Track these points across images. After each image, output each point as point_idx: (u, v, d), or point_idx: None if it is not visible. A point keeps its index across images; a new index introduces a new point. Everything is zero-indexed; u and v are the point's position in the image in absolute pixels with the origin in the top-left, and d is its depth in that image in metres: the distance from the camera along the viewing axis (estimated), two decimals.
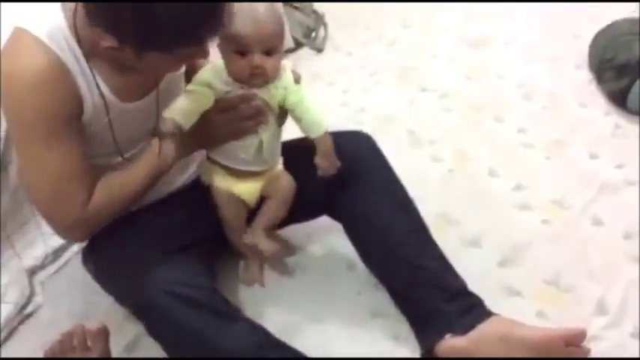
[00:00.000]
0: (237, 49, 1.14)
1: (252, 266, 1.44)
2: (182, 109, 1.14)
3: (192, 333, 1.10)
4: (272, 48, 1.14)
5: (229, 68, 1.17)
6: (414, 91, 2.19)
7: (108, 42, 0.99)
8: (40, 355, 1.21)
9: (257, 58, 1.14)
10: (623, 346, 1.23)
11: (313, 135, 1.22)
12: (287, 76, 1.22)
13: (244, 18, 1.11)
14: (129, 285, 1.16)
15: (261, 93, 1.20)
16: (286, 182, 1.32)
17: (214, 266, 1.34)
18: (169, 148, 1.12)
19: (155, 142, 1.16)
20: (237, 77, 1.18)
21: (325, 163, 1.23)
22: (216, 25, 1.00)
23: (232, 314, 1.17)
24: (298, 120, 1.22)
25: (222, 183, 1.29)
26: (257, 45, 1.13)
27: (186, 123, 1.13)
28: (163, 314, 1.10)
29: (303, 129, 1.23)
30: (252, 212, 1.34)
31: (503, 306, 1.24)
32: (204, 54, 1.09)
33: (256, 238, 1.31)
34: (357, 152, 1.33)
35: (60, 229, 1.21)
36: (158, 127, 1.13)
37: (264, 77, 1.17)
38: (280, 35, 1.16)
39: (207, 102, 1.17)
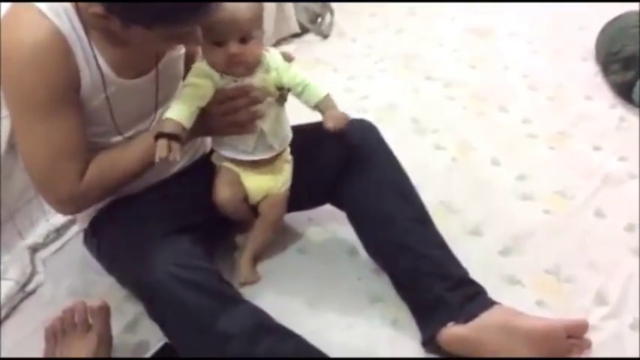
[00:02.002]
0: (212, 39, 1.12)
1: (242, 263, 1.43)
2: (182, 109, 1.12)
3: (192, 314, 1.10)
4: (247, 34, 1.12)
5: (208, 60, 1.16)
6: (418, 80, 2.19)
7: (96, 8, 1.00)
8: (42, 332, 1.22)
9: (233, 47, 1.12)
10: (621, 337, 1.23)
11: (315, 101, 1.19)
12: (275, 58, 1.21)
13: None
14: (130, 266, 1.16)
15: (255, 80, 1.19)
16: (281, 203, 1.34)
17: (214, 248, 1.34)
18: (175, 147, 1.09)
19: (156, 127, 1.16)
20: (217, 68, 1.16)
21: (333, 114, 1.18)
22: (196, 11, 0.99)
23: (233, 297, 1.17)
24: (298, 95, 1.20)
25: (232, 167, 1.29)
26: (231, 33, 1.11)
27: (188, 123, 1.12)
28: (165, 295, 1.10)
29: (305, 101, 1.20)
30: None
31: (503, 295, 1.24)
32: (194, 41, 1.08)
33: (244, 265, 1.39)
34: (362, 141, 1.33)
35: (52, 202, 1.20)
36: (160, 128, 1.11)
37: (244, 65, 1.16)
38: (255, 20, 1.14)
39: (207, 94, 1.16)
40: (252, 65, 1.18)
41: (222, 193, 1.30)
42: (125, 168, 1.18)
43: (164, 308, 1.12)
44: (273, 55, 1.21)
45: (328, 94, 1.20)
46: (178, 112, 1.12)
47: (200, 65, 1.18)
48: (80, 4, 1.05)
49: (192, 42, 1.10)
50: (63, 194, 1.15)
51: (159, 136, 1.09)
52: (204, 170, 1.33)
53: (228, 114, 1.19)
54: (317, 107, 1.20)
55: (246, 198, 1.33)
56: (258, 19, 1.15)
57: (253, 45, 1.15)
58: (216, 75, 1.17)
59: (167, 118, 1.11)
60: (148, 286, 1.12)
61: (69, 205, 1.19)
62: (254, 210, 1.37)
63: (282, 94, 1.23)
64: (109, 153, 1.18)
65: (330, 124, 1.17)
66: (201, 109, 1.15)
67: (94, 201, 1.21)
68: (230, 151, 1.27)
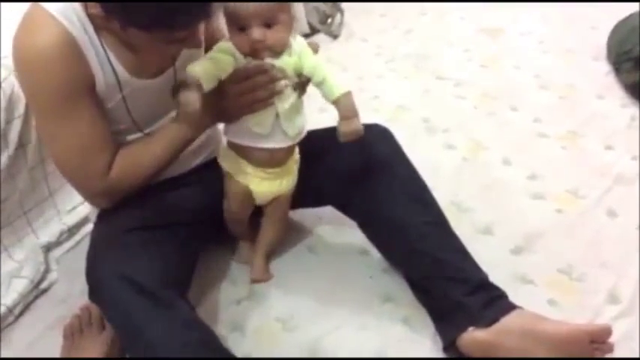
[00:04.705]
0: (236, 24, 1.11)
1: (246, 250, 1.46)
2: (204, 68, 1.10)
3: (124, 312, 1.08)
4: (271, 20, 1.10)
5: (234, 43, 1.14)
6: (429, 80, 2.19)
7: (95, 9, 1.02)
8: (55, 330, 1.24)
9: (256, 33, 1.10)
10: (633, 336, 1.23)
11: (336, 96, 1.14)
12: (299, 43, 1.18)
13: None
14: (89, 255, 1.17)
15: (277, 62, 1.16)
16: (285, 202, 1.35)
17: (194, 254, 1.31)
18: (194, 97, 1.08)
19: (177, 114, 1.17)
20: (242, 52, 1.14)
21: (348, 127, 1.14)
22: (193, 15, 0.99)
23: (170, 303, 1.11)
24: (318, 85, 1.16)
25: (239, 175, 1.28)
26: (253, 19, 1.09)
27: (206, 84, 1.10)
28: (101, 287, 1.10)
29: (324, 93, 1.16)
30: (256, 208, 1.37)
31: (515, 294, 1.23)
32: (195, 44, 1.09)
33: (256, 263, 1.41)
34: (376, 147, 1.31)
35: (86, 197, 1.24)
36: (182, 80, 1.10)
37: (268, 50, 1.14)
38: (280, 6, 1.10)
39: (227, 68, 1.14)
40: (278, 50, 1.15)
41: (233, 204, 1.31)
42: (151, 159, 1.19)
43: (103, 302, 1.13)
44: (298, 41, 1.18)
45: (349, 93, 1.14)
46: (198, 70, 1.09)
47: (224, 44, 1.16)
48: (87, 4, 1.06)
49: (193, 45, 1.10)
50: (94, 188, 1.18)
51: (178, 87, 1.08)
52: (210, 172, 1.33)
53: (246, 93, 1.16)
54: (335, 105, 1.16)
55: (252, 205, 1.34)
56: (283, 5, 1.12)
57: (278, 30, 1.11)
58: (239, 54, 1.15)
59: (187, 70, 1.09)
60: (89, 272, 1.13)
61: (102, 197, 1.21)
62: (258, 209, 1.37)
63: (301, 82, 1.19)
64: (136, 145, 1.20)
65: (341, 138, 1.15)
66: (218, 90, 1.13)
67: (125, 192, 1.20)
68: (244, 138, 1.23)
